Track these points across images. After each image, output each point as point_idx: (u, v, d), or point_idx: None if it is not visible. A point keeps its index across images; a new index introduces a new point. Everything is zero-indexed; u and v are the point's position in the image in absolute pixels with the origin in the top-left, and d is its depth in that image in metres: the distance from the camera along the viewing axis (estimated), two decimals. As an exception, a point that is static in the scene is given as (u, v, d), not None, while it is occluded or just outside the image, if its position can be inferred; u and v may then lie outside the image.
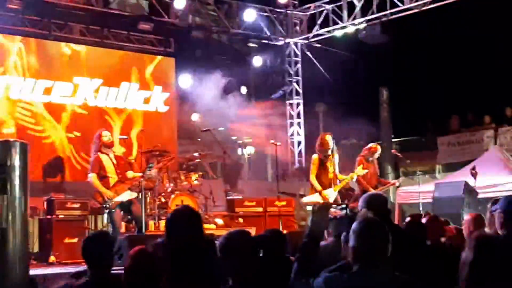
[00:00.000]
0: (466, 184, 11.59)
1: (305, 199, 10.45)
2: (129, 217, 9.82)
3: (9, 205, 1.48)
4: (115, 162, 9.29)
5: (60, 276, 7.47)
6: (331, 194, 9.74)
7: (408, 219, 5.88)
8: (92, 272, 4.16)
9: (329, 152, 9.78)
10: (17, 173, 1.50)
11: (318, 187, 9.73)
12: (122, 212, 9.45)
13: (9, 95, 13.23)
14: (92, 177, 9.15)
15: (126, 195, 9.16)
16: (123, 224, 10.99)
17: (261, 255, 3.98)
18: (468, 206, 11.13)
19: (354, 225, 3.30)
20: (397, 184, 12.09)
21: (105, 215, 9.87)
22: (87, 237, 4.58)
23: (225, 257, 3.53)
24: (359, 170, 10.16)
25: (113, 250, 4.48)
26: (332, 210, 4.02)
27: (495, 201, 5.95)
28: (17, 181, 1.50)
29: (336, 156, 9.94)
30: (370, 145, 11.37)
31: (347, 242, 3.74)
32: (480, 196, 11.61)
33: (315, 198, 9.83)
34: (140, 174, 9.47)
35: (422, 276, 3.90)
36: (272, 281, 3.71)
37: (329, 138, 9.82)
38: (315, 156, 9.89)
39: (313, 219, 3.61)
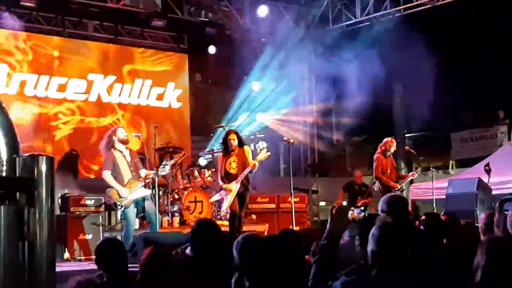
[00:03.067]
0: (480, 180, 11.55)
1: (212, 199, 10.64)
2: (143, 214, 9.79)
3: (37, 219, 1.53)
4: (129, 159, 9.20)
5: (75, 273, 7.55)
6: (234, 186, 9.57)
7: (423, 217, 5.86)
8: (108, 275, 4.23)
9: (232, 148, 9.60)
10: (44, 186, 1.55)
11: (220, 182, 9.75)
12: (135, 209, 9.45)
13: (24, 92, 13.33)
14: (107, 174, 9.03)
15: (140, 193, 9.15)
16: (137, 220, 11.07)
17: (277, 256, 3.98)
18: (481, 203, 11.08)
19: (373, 230, 3.30)
20: (416, 175, 12.08)
21: (119, 212, 9.92)
22: (99, 244, 4.60)
23: (241, 259, 3.56)
24: (262, 154, 9.84)
25: (126, 254, 4.50)
26: (350, 212, 3.96)
27: (501, 201, 5.96)
28: (44, 195, 1.55)
29: (247, 148, 9.83)
30: (386, 140, 11.33)
31: (361, 244, 3.76)
32: (493, 192, 11.56)
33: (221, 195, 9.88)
34: (153, 172, 9.44)
35: (442, 276, 3.90)
36: (289, 283, 3.72)
37: (231, 135, 9.71)
38: (218, 156, 9.94)
39: (331, 221, 3.59)
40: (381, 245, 3.21)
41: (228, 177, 9.62)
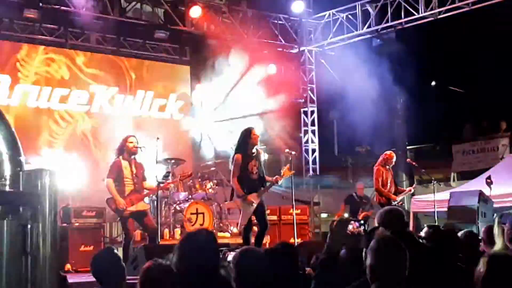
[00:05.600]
0: (481, 193, 11.55)
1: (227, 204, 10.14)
2: (143, 226, 9.75)
3: (40, 233, 1.54)
4: (134, 170, 9.13)
5: (76, 285, 7.53)
6: (255, 199, 8.84)
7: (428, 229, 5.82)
8: (104, 287, 4.23)
9: (254, 150, 8.84)
10: (47, 200, 1.56)
11: (241, 191, 8.79)
12: (135, 221, 9.41)
13: (26, 103, 13.35)
14: (109, 182, 9.03)
15: (140, 205, 9.12)
16: (138, 232, 11.07)
17: (275, 271, 3.96)
18: (483, 216, 11.08)
19: (371, 244, 3.30)
20: (412, 190, 12.11)
21: (119, 223, 9.90)
22: (95, 255, 4.59)
23: (239, 275, 3.55)
24: (286, 171, 9.14)
25: (122, 265, 4.48)
26: (350, 226, 3.91)
27: (502, 214, 5.97)
28: (47, 209, 1.56)
29: (263, 156, 9.25)
30: (385, 153, 11.38)
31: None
32: (495, 205, 11.57)
33: (236, 203, 9.03)
34: (156, 185, 9.41)
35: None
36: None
37: (257, 134, 8.96)
38: (237, 155, 8.84)
39: (331, 235, 3.57)
40: (379, 259, 3.20)
41: (250, 184, 8.83)
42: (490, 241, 5.90)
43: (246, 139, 8.84)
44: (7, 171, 1.70)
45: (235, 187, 8.88)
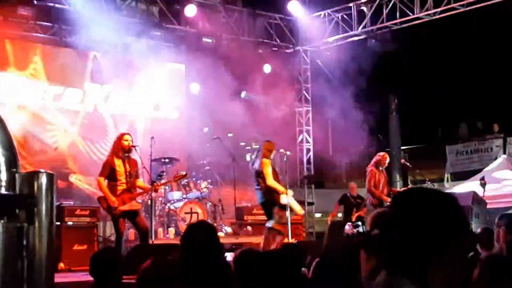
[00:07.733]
0: (475, 194, 11.56)
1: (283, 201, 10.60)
2: (135, 226, 9.69)
3: (36, 236, 1.52)
4: (128, 168, 9.04)
5: (70, 284, 7.52)
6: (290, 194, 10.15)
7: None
8: (101, 286, 4.22)
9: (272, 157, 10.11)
10: (44, 203, 1.54)
11: (281, 188, 9.95)
12: (127, 221, 9.35)
13: (20, 101, 13.29)
14: (100, 180, 8.95)
15: (132, 205, 9.05)
16: (132, 232, 11.03)
17: (276, 271, 3.94)
18: (476, 217, 11.10)
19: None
20: None
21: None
22: (93, 255, 4.59)
23: (239, 274, 3.56)
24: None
25: (120, 265, 4.48)
26: (346, 227, 3.91)
27: (502, 215, 5.96)
28: (44, 212, 1.53)
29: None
30: (379, 154, 11.41)
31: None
32: (489, 206, 11.58)
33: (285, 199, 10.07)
34: (149, 186, 9.35)
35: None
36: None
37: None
38: (266, 161, 9.98)
39: (329, 237, 3.56)
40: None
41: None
42: (488, 243, 5.89)
43: (270, 150, 10.00)
44: (3, 172, 1.67)
45: (275, 186, 9.92)
